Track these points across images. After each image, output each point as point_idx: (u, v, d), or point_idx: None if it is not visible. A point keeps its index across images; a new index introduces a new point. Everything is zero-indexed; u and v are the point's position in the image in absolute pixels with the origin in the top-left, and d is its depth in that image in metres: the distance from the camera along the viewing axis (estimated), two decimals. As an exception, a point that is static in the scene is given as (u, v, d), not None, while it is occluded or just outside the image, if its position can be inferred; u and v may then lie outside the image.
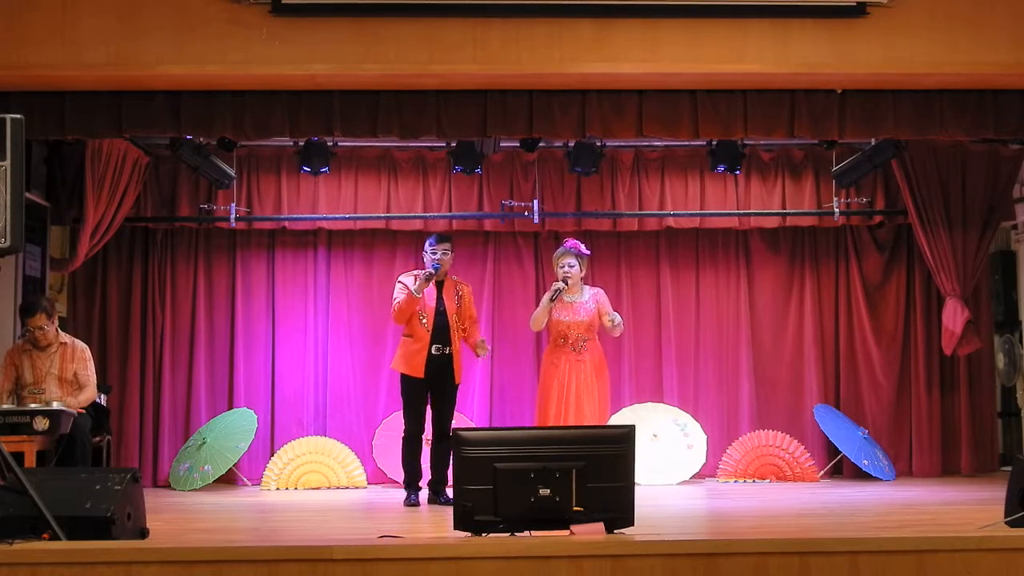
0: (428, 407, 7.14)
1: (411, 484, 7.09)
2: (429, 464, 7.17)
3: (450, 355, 7.11)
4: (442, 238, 7.29)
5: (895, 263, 9.10)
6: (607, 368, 7.59)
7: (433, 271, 7.07)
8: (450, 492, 5.83)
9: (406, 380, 7.11)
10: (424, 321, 7.08)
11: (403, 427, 7.17)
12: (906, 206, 8.73)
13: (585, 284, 7.57)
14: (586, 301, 7.44)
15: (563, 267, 7.44)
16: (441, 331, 7.10)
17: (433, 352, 7.06)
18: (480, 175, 8.68)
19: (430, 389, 7.08)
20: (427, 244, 7.25)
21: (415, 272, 7.26)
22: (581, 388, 7.28)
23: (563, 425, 6.97)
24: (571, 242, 7.57)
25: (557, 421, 7.16)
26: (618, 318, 7.42)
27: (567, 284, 7.33)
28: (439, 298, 7.17)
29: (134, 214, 8.65)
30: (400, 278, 7.27)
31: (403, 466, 7.15)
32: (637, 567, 4.05)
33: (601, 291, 7.63)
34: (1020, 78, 6.94)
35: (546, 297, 7.40)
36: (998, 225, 8.84)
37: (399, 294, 7.13)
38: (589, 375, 7.32)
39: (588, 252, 7.60)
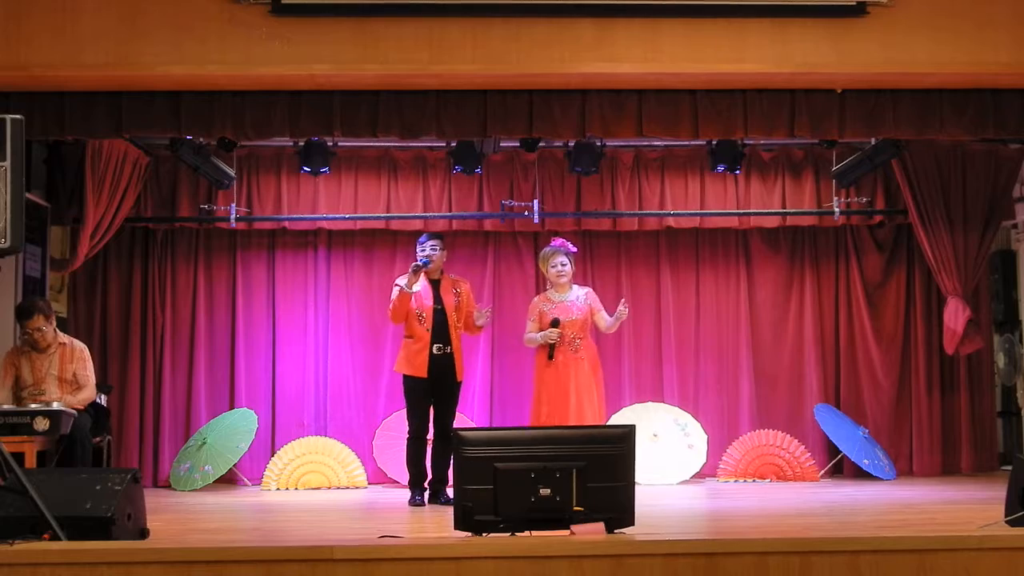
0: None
1: (416, 484, 7.09)
2: (430, 464, 7.16)
3: (451, 354, 7.12)
4: (432, 235, 7.34)
5: (895, 263, 9.10)
6: (601, 367, 7.58)
7: (421, 265, 7.07)
8: (450, 492, 5.83)
9: (409, 381, 7.11)
10: (423, 321, 7.08)
11: (406, 428, 7.16)
12: (906, 205, 8.73)
13: (574, 283, 7.56)
14: (578, 299, 7.42)
15: (555, 266, 7.42)
16: (441, 330, 7.11)
17: (435, 351, 7.07)
18: (480, 175, 8.68)
19: (433, 389, 7.08)
20: (418, 242, 7.26)
21: (414, 272, 7.28)
22: (581, 387, 7.24)
23: (563, 425, 6.94)
24: (559, 241, 7.57)
25: (555, 421, 7.10)
26: (610, 318, 7.42)
27: (556, 332, 7.23)
28: (436, 296, 7.17)
29: (134, 214, 8.65)
30: (397, 280, 7.28)
31: (408, 467, 7.15)
32: (637, 567, 4.05)
33: (591, 291, 7.61)
34: (1020, 77, 6.94)
35: (541, 337, 7.29)
36: (998, 224, 8.84)
37: (395, 294, 7.13)
38: (587, 374, 7.29)
39: (575, 249, 7.59)
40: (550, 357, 7.26)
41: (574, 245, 7.63)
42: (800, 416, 8.94)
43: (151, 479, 8.57)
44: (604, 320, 7.40)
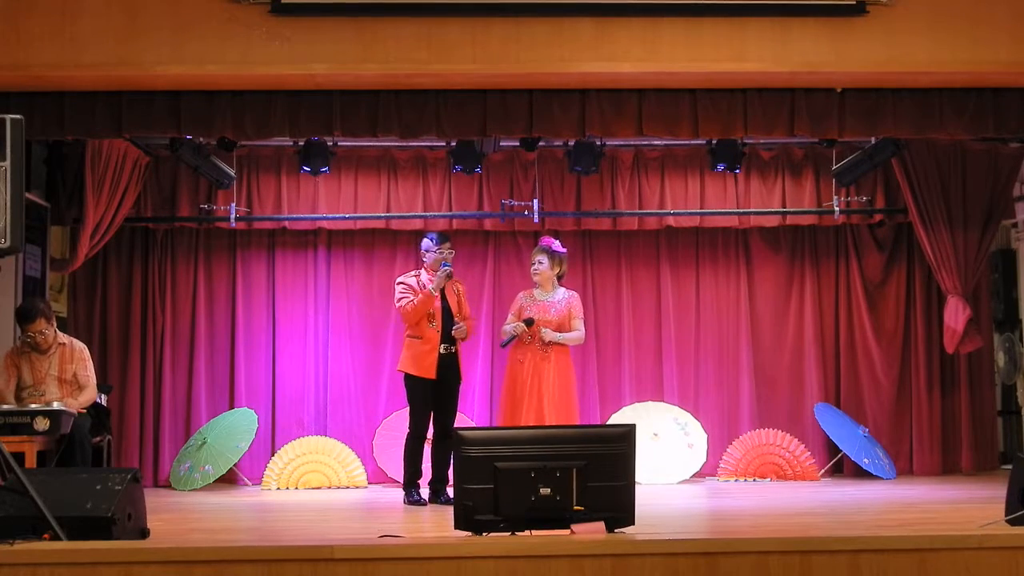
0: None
1: (412, 483, 7.09)
2: (430, 464, 7.16)
3: (455, 353, 7.16)
4: (444, 237, 7.31)
5: (895, 262, 9.09)
6: (573, 373, 7.54)
7: (450, 270, 7.08)
8: (450, 491, 5.83)
9: (415, 381, 7.08)
10: (433, 322, 7.08)
11: (408, 427, 7.15)
12: (906, 204, 8.73)
13: (561, 285, 7.53)
14: (557, 301, 7.41)
15: (533, 264, 7.48)
16: (448, 330, 7.12)
17: (442, 352, 7.08)
18: (480, 174, 8.67)
19: (436, 389, 7.08)
20: (429, 243, 7.22)
21: (414, 273, 7.26)
22: (543, 389, 7.22)
23: (525, 425, 6.92)
24: (546, 240, 7.59)
25: (516, 421, 7.11)
26: (576, 334, 7.38)
27: (523, 328, 7.26)
28: (443, 297, 7.17)
29: (134, 214, 8.64)
30: (402, 279, 7.23)
31: (405, 465, 7.14)
32: (638, 566, 4.05)
33: (576, 295, 7.57)
34: (1020, 76, 6.95)
35: (511, 328, 7.32)
36: (998, 223, 8.84)
37: (405, 294, 7.10)
38: (552, 377, 7.25)
39: (563, 250, 7.56)
40: (502, 345, 7.39)
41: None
42: (800, 415, 8.94)
43: (151, 479, 8.56)
44: (562, 332, 7.33)
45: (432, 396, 7.08)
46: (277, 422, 8.83)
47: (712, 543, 4.28)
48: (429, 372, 7.04)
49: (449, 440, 6.89)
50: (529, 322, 7.29)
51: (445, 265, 7.11)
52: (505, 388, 7.42)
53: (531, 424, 6.98)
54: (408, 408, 7.22)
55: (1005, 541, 4.16)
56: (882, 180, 8.93)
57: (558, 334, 7.31)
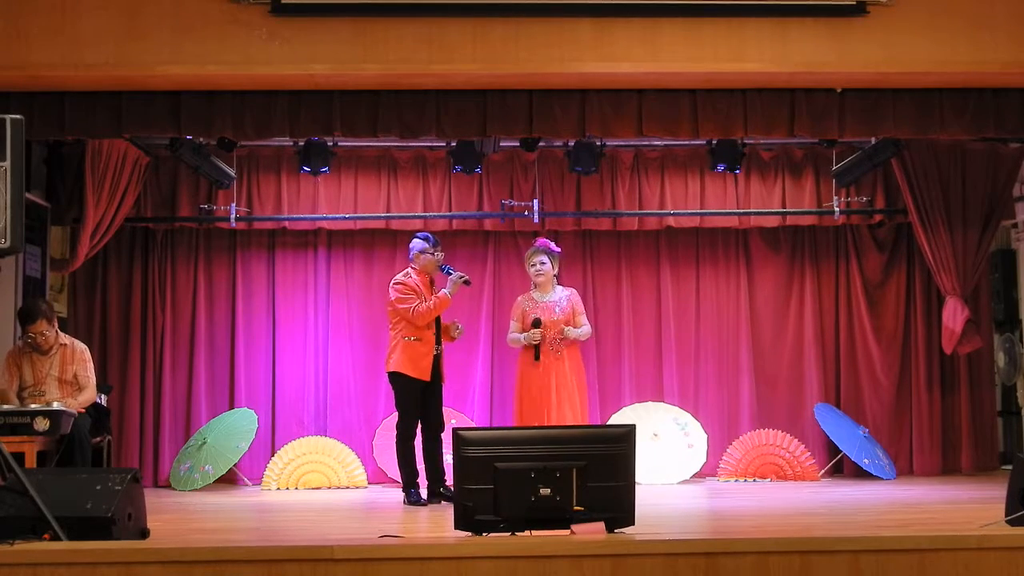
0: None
1: (411, 484, 7.10)
2: (425, 464, 7.16)
3: (441, 354, 7.22)
4: (437, 239, 7.34)
5: (895, 262, 9.09)
6: (584, 369, 7.60)
7: (468, 277, 7.17)
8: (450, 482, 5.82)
9: (408, 382, 7.09)
10: (431, 324, 7.11)
11: (396, 428, 7.15)
12: (906, 205, 8.73)
13: (560, 284, 7.56)
14: (559, 300, 7.43)
15: (534, 265, 7.47)
16: (439, 331, 7.17)
17: (434, 353, 7.10)
18: (480, 175, 8.67)
19: (426, 389, 7.10)
20: (424, 244, 7.22)
21: (408, 272, 7.23)
22: (560, 389, 7.25)
23: (547, 425, 6.94)
24: (542, 241, 7.61)
25: (534, 421, 7.13)
26: (585, 330, 7.43)
27: (538, 332, 7.28)
28: (434, 299, 7.21)
29: (134, 214, 8.65)
30: (400, 280, 7.20)
31: (401, 468, 7.14)
32: (638, 566, 4.05)
33: (575, 291, 7.62)
34: (1020, 76, 6.95)
35: (525, 338, 7.33)
36: (998, 224, 8.84)
37: (407, 295, 7.09)
38: (567, 376, 7.29)
39: (559, 250, 7.59)
40: (536, 358, 7.30)
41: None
42: (800, 416, 8.94)
43: (151, 479, 8.57)
44: (575, 328, 7.36)
45: (422, 397, 7.09)
46: (277, 422, 8.84)
47: (712, 543, 4.28)
48: (425, 374, 7.07)
49: (440, 439, 7.02)
50: (537, 323, 7.29)
51: (448, 269, 7.14)
52: (520, 392, 7.40)
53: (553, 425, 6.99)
54: (397, 410, 7.23)
55: (1005, 541, 4.16)
56: (882, 180, 8.93)
57: (574, 330, 7.32)
